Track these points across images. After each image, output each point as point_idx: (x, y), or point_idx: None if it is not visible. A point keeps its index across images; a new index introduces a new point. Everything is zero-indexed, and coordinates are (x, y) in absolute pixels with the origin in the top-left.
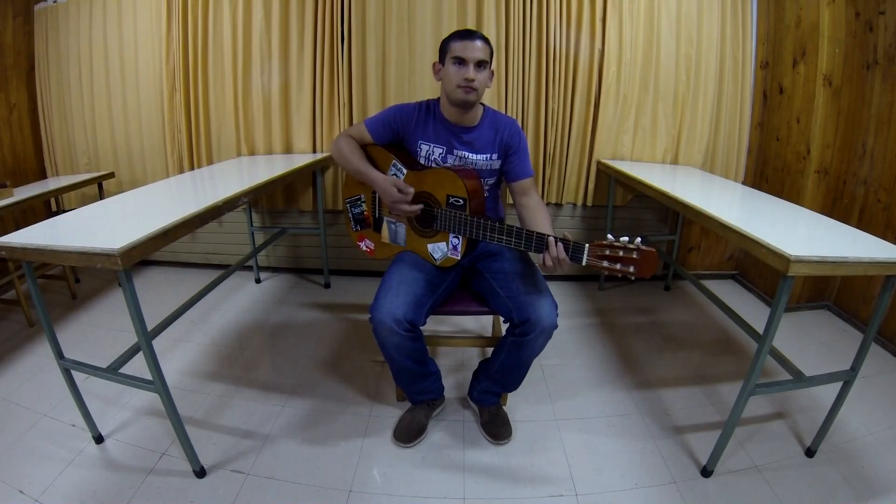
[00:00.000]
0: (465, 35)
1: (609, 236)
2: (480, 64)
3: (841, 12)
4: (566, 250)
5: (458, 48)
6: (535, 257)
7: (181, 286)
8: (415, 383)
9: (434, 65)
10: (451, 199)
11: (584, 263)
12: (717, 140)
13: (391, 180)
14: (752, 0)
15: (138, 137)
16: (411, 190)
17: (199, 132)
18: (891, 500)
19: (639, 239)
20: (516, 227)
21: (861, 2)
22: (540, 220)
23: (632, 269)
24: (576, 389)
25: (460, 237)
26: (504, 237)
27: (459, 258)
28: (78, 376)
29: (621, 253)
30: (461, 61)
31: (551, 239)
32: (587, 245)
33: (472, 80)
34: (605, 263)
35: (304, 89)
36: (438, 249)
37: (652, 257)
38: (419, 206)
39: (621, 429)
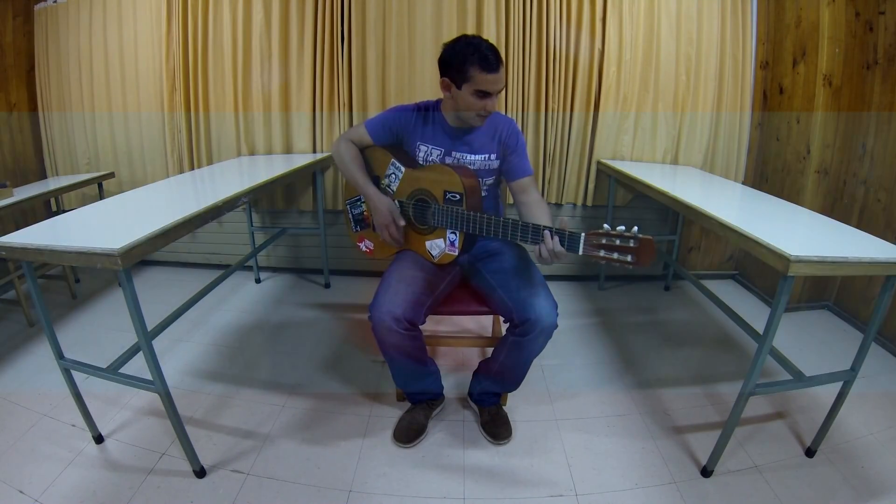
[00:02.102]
0: (491, 67)
1: (605, 226)
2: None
3: (841, 12)
4: (562, 241)
5: (483, 82)
6: (532, 251)
7: (181, 286)
8: (414, 383)
9: (442, 81)
10: (448, 195)
11: (580, 253)
12: (717, 140)
13: (391, 207)
14: (752, 0)
15: (138, 137)
16: (402, 223)
17: (199, 132)
18: (891, 500)
19: (636, 228)
20: (511, 220)
21: (861, 2)
22: (539, 216)
23: (629, 257)
24: (576, 389)
25: (457, 233)
26: (500, 230)
27: (457, 254)
28: (78, 376)
29: (618, 242)
30: (486, 94)
31: (546, 230)
32: (583, 234)
33: (491, 110)
34: (602, 253)
35: (304, 89)
36: (436, 246)
37: (650, 245)
38: (401, 230)
39: (621, 429)
